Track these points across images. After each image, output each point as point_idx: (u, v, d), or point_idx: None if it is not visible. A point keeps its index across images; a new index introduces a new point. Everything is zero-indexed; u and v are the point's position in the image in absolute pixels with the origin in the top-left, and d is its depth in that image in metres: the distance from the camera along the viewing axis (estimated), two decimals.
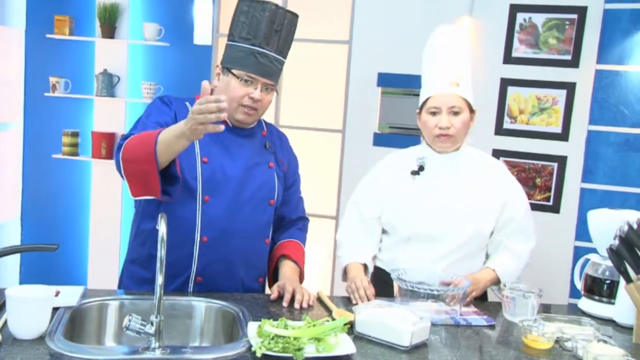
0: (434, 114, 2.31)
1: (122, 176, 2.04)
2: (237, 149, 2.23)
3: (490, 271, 2.33)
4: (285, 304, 2.10)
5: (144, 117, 2.18)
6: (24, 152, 4.57)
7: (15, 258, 4.61)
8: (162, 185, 1.97)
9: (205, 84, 1.84)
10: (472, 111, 2.35)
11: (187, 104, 2.23)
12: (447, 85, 2.29)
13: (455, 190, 2.34)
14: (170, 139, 1.91)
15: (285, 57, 2.24)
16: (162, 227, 1.70)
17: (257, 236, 2.26)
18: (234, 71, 2.15)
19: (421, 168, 2.37)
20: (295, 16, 2.24)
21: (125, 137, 2.06)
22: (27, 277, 4.59)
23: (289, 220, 2.41)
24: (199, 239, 2.15)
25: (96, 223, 4.45)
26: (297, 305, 2.08)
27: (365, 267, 2.36)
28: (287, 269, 2.28)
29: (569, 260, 3.69)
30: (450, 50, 2.36)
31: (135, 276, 2.26)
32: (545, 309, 2.25)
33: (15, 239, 4.52)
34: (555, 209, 3.76)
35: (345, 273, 2.38)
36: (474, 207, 2.32)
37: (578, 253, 3.62)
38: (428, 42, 2.44)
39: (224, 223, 2.16)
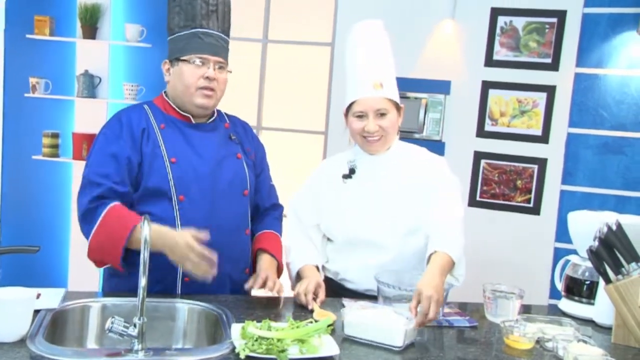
0: (360, 117, 2.25)
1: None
2: (203, 144, 2.23)
3: (435, 259, 2.03)
4: (256, 286, 2.14)
5: (95, 153, 2.16)
6: (3, 153, 4.52)
7: None
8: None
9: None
10: (398, 108, 2.30)
11: (146, 107, 2.25)
12: (371, 88, 2.23)
13: (389, 190, 2.29)
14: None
15: (228, 37, 2.25)
16: (145, 229, 1.70)
17: (237, 228, 2.26)
18: (183, 58, 2.17)
19: (352, 171, 2.34)
20: None
21: (85, 185, 2.13)
22: (6, 279, 4.53)
23: (263, 208, 2.41)
24: None
25: (77, 225, 4.38)
26: (267, 290, 2.12)
27: (317, 268, 2.32)
28: (264, 262, 2.28)
29: (549, 262, 3.73)
30: (371, 49, 2.30)
31: (117, 289, 2.20)
32: (526, 309, 2.26)
33: None
34: (535, 210, 3.80)
35: (298, 277, 2.32)
36: (408, 205, 2.27)
37: (558, 254, 3.66)
38: (348, 41, 2.37)
39: (202, 220, 2.14)
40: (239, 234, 2.28)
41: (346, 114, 2.32)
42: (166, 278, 2.16)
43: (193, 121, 2.24)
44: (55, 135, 4.35)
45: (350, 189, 2.33)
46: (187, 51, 2.16)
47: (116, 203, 2.08)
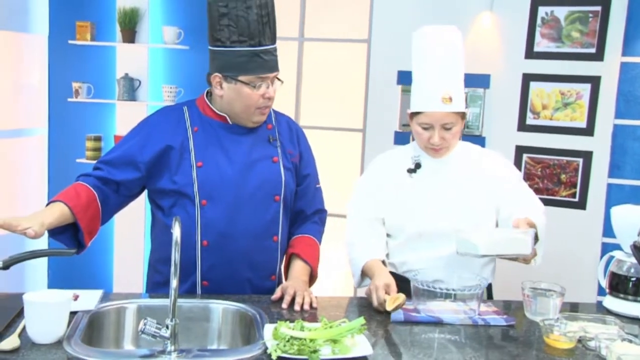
0: (426, 129, 2.25)
1: None
2: (235, 147, 2.21)
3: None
4: (284, 305, 2.07)
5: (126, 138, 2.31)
6: (49, 157, 4.63)
7: (43, 263, 4.67)
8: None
9: None
10: (464, 117, 2.28)
11: (185, 108, 2.26)
12: (439, 102, 2.19)
13: (456, 182, 2.30)
14: None
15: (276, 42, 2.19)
16: (175, 231, 1.70)
17: (262, 235, 2.22)
18: (242, 78, 2.12)
19: (418, 165, 2.33)
20: None
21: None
22: (55, 281, 4.64)
23: (306, 214, 2.37)
24: (199, 243, 2.16)
25: (120, 226, 4.48)
26: (297, 307, 2.06)
27: (384, 263, 2.31)
28: (296, 269, 2.26)
29: (597, 258, 3.62)
30: (442, 59, 2.24)
31: (151, 280, 2.32)
32: (573, 307, 2.22)
33: (42, 244, 4.56)
34: (581, 205, 3.69)
35: (363, 274, 2.31)
36: (474, 200, 2.28)
37: (606, 250, 3.53)
38: (418, 42, 2.30)
39: (222, 225, 2.15)
40: (264, 241, 2.23)
41: (411, 117, 2.30)
42: (187, 281, 2.18)
43: (230, 122, 2.23)
44: (97, 139, 4.43)
45: (417, 182, 2.32)
46: (246, 72, 2.11)
47: (79, 182, 2.18)
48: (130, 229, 4.44)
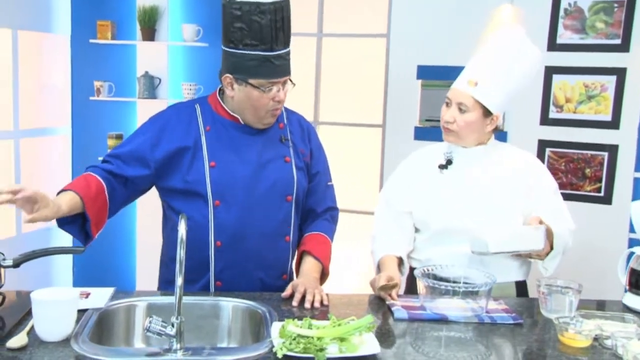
0: (447, 104, 2.30)
1: None
2: (247, 148, 2.19)
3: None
4: (295, 303, 2.05)
5: (135, 134, 2.25)
6: (73, 156, 4.67)
7: (68, 261, 4.72)
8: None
9: None
10: (488, 115, 2.27)
11: (197, 106, 2.24)
12: (465, 82, 2.26)
13: (483, 183, 2.29)
14: None
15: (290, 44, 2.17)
16: (181, 228, 1.69)
17: (274, 235, 2.21)
18: (252, 81, 2.09)
19: (449, 162, 2.34)
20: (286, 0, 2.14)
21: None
22: (80, 279, 4.69)
23: (316, 212, 2.35)
24: (213, 243, 2.15)
25: (143, 226, 4.51)
26: (307, 305, 2.03)
27: (400, 260, 2.29)
28: (307, 266, 2.24)
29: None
30: (492, 53, 2.29)
31: (163, 278, 2.34)
32: (599, 305, 2.17)
33: (67, 242, 4.62)
34: (607, 200, 3.61)
35: (378, 268, 2.30)
36: (502, 201, 2.27)
37: (633, 246, 3.46)
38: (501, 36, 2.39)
39: (236, 226, 2.14)
40: (277, 241, 2.23)
41: None
42: (200, 280, 2.18)
43: (242, 122, 2.21)
44: (119, 137, 4.45)
45: (448, 179, 2.33)
46: (257, 76, 2.08)
47: (89, 173, 2.15)
48: (153, 227, 4.43)
